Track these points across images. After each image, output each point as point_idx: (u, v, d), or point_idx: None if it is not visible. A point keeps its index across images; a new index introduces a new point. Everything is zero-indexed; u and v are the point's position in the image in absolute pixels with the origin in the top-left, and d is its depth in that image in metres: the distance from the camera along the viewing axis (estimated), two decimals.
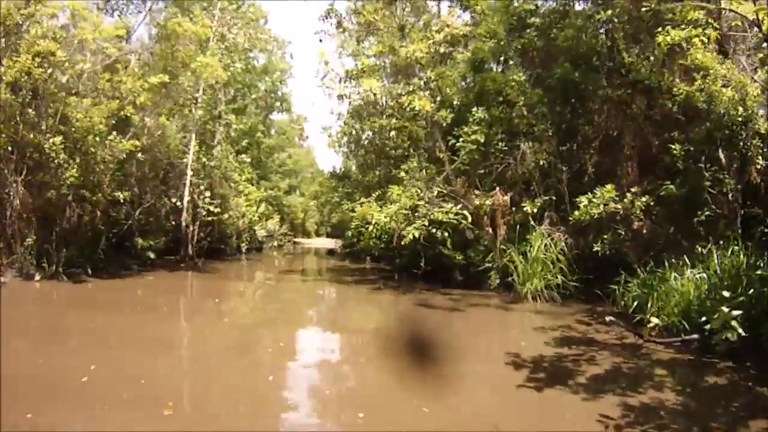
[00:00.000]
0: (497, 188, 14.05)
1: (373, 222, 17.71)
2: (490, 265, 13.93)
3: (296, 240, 48.51)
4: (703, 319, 7.16)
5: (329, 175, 31.39)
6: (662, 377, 6.16)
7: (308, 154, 58.09)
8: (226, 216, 23.86)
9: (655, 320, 7.59)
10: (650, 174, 12.39)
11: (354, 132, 27.98)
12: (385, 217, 14.29)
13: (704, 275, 8.31)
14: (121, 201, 14.74)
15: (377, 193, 24.03)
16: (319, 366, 6.82)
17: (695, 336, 7.30)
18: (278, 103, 42.06)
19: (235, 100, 29.58)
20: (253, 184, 29.38)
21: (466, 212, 13.44)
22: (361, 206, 22.68)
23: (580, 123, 14.05)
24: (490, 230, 14.24)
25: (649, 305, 8.23)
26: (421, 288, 14.56)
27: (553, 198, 13.31)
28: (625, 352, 7.20)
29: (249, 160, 26.47)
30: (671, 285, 8.37)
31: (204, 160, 20.28)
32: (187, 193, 19.22)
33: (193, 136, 19.76)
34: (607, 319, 7.79)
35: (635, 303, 8.78)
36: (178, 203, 19.37)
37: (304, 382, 6.20)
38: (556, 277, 11.75)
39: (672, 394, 5.41)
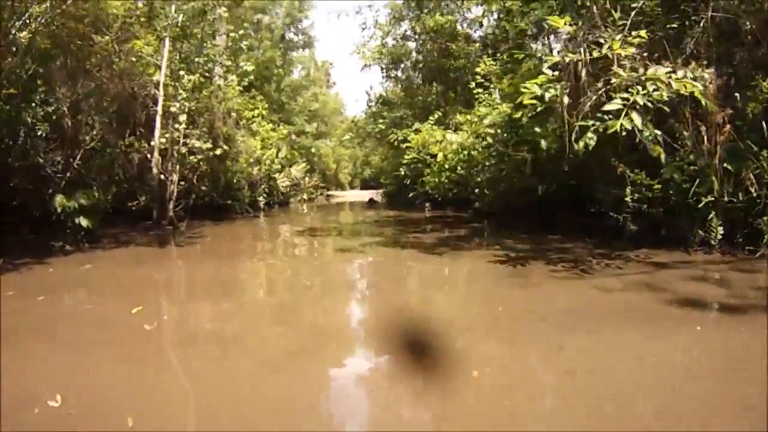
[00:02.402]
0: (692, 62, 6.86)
1: (443, 146, 11.07)
2: (711, 199, 6.88)
3: (329, 193, 41.50)
4: None
5: (366, 104, 23.87)
6: None
7: (336, 99, 50.49)
8: (230, 161, 17.07)
9: None
10: None
11: (398, 39, 20.48)
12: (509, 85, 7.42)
13: None
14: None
15: (437, 116, 16.86)
16: None
17: None
18: (298, 37, 34.64)
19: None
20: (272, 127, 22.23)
21: (698, 84, 5.84)
22: (416, 133, 15.52)
23: None
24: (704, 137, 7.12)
25: None
26: (581, 246, 7.68)
27: None
28: None
29: (251, 70, 18.27)
30: None
31: (184, 76, 13.09)
32: (158, 124, 12.22)
33: (167, 41, 12.63)
34: None
35: None
36: (152, 143, 12.45)
37: None
38: None
39: None
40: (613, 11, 6.82)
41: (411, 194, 18.96)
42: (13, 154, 9.29)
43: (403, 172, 17.33)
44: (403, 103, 20.06)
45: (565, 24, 6.13)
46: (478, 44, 18.11)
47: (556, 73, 6.36)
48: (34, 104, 9.48)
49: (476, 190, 13.93)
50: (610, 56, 6.13)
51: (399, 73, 21.54)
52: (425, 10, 18.88)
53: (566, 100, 6.49)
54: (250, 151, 18.64)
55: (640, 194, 7.69)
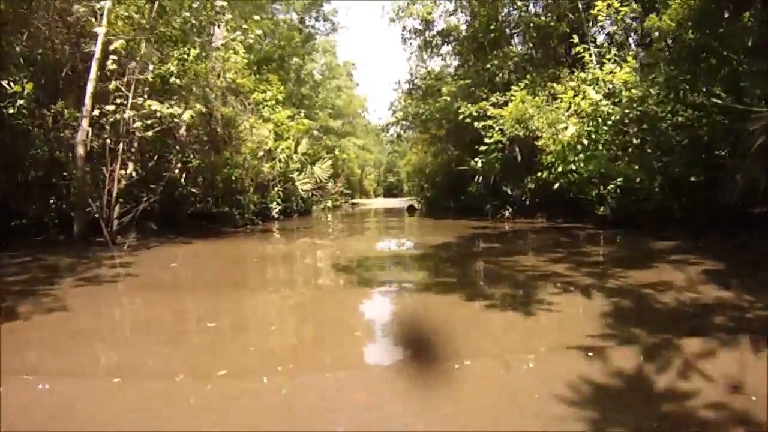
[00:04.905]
0: None
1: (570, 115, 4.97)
2: None
3: (354, 201, 36.03)
4: None
5: (405, 89, 18.24)
6: None
7: (360, 100, 44.71)
8: (229, 153, 11.77)
9: None
10: None
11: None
12: None
13: None
14: None
15: (523, 84, 11.46)
16: None
17: None
18: (320, 23, 29.33)
19: None
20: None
21: None
22: (496, 108, 10.11)
23: None
24: None
25: None
26: None
27: None
28: None
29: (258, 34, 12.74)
30: None
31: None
32: (92, 73, 6.97)
33: None
34: None
35: None
36: (83, 107, 7.19)
37: None
38: None
39: None
40: None
41: (469, 196, 13.42)
42: None
43: (478, 164, 11.68)
44: (464, 75, 14.45)
45: None
46: None
47: None
48: None
49: (608, 187, 8.41)
50: None
51: (453, 36, 15.96)
52: None
53: None
54: (258, 139, 13.36)
55: None
